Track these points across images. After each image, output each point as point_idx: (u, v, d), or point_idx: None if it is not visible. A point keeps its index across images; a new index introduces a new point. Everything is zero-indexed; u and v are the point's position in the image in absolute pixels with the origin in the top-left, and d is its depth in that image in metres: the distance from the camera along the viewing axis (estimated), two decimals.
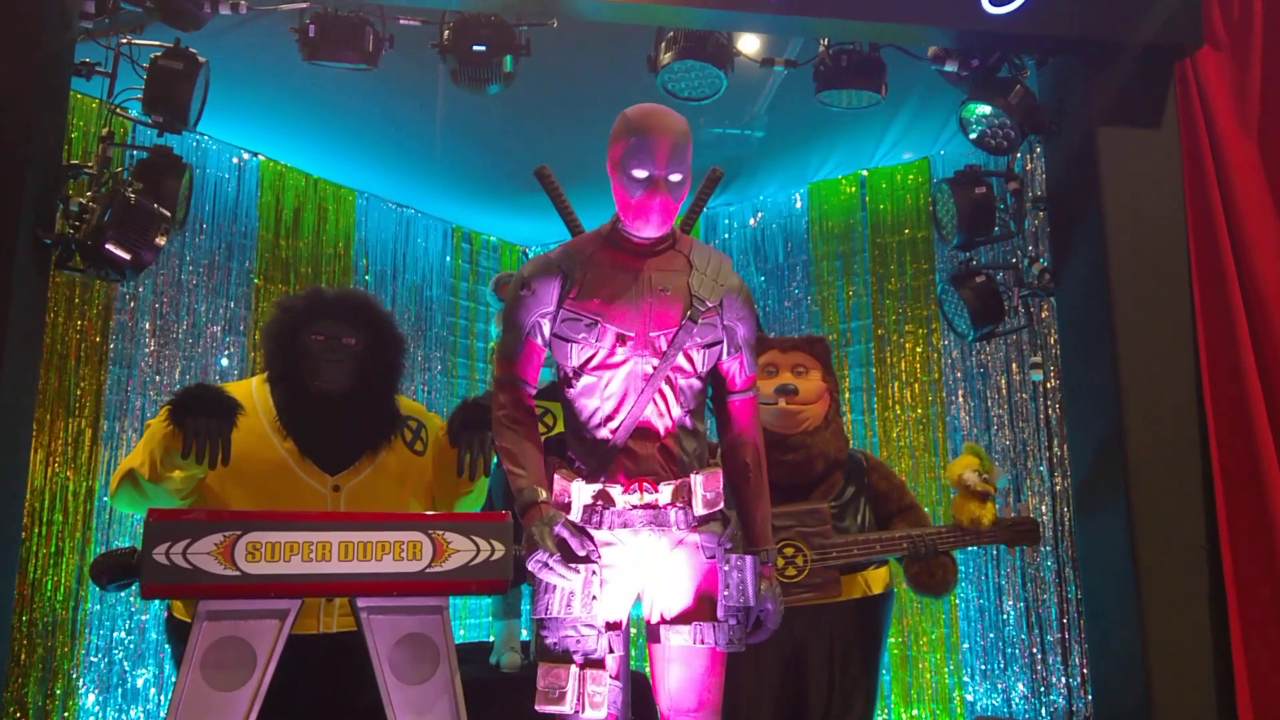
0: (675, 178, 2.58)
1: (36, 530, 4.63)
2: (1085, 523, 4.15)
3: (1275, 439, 3.75)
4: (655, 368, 2.60)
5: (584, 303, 2.60)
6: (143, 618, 4.99)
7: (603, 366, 2.60)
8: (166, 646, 4.50)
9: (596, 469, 2.60)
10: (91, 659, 4.82)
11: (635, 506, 2.58)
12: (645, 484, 2.59)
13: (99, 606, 4.86)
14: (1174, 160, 4.02)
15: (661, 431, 2.63)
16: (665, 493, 2.60)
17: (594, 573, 2.49)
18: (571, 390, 2.65)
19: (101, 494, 4.87)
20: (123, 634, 4.94)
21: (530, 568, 2.48)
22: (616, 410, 2.61)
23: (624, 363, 2.60)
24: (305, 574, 2.48)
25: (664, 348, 2.60)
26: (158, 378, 5.21)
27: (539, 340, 2.67)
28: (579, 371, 2.62)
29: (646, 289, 2.63)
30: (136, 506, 3.12)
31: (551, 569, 2.45)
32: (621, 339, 2.59)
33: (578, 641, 2.50)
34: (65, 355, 4.82)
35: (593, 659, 2.50)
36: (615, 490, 2.58)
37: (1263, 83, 4.03)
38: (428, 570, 2.55)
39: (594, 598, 2.49)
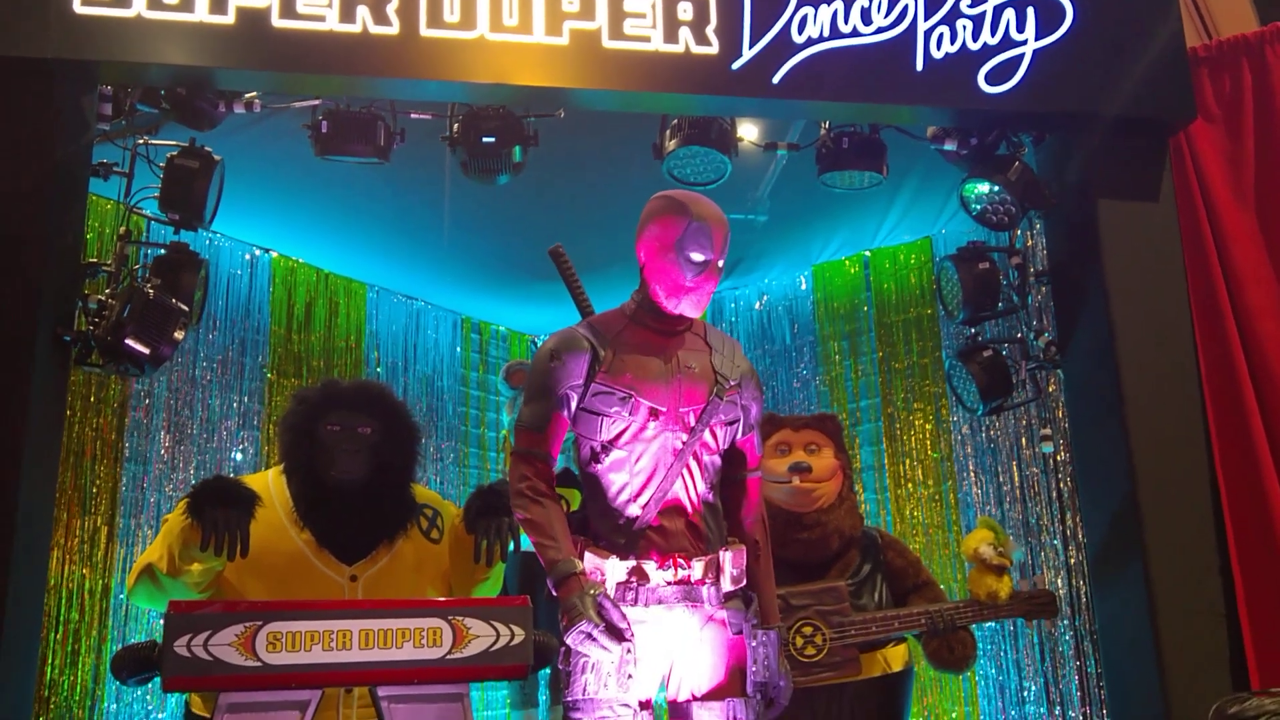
0: (721, 264, 2.70)
1: (53, 630, 4.61)
2: (1103, 595, 4.13)
3: None
4: (685, 442, 2.64)
5: (616, 378, 2.64)
6: (159, 716, 4.95)
7: (634, 440, 2.64)
8: None
9: (626, 546, 2.61)
10: None
11: (670, 583, 2.60)
12: (679, 560, 2.61)
13: (115, 706, 4.82)
14: (1173, 232, 4.08)
15: (689, 508, 2.67)
16: (697, 569, 2.62)
17: (628, 650, 2.49)
18: (598, 466, 2.67)
19: (117, 591, 4.86)
20: None
21: (571, 640, 2.47)
22: (645, 485, 2.63)
23: (655, 437, 2.64)
24: (326, 663, 2.46)
25: (692, 423, 2.65)
26: (173, 474, 5.24)
27: (565, 414, 2.69)
28: (608, 446, 2.65)
29: (675, 366, 2.69)
30: (154, 602, 3.12)
31: (595, 640, 2.44)
32: (654, 413, 2.63)
33: None
34: (81, 453, 4.85)
35: None
36: (650, 566, 2.60)
37: (1256, 153, 4.11)
38: (448, 657, 2.53)
39: (629, 676, 2.49)
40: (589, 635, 2.44)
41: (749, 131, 4.45)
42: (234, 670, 2.39)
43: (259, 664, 2.42)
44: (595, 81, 3.77)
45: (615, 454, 2.66)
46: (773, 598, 2.81)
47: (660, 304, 2.71)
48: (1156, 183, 4.12)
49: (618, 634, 2.46)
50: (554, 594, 2.56)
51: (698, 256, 2.64)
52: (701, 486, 2.70)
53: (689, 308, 2.70)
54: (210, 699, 2.74)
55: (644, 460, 2.65)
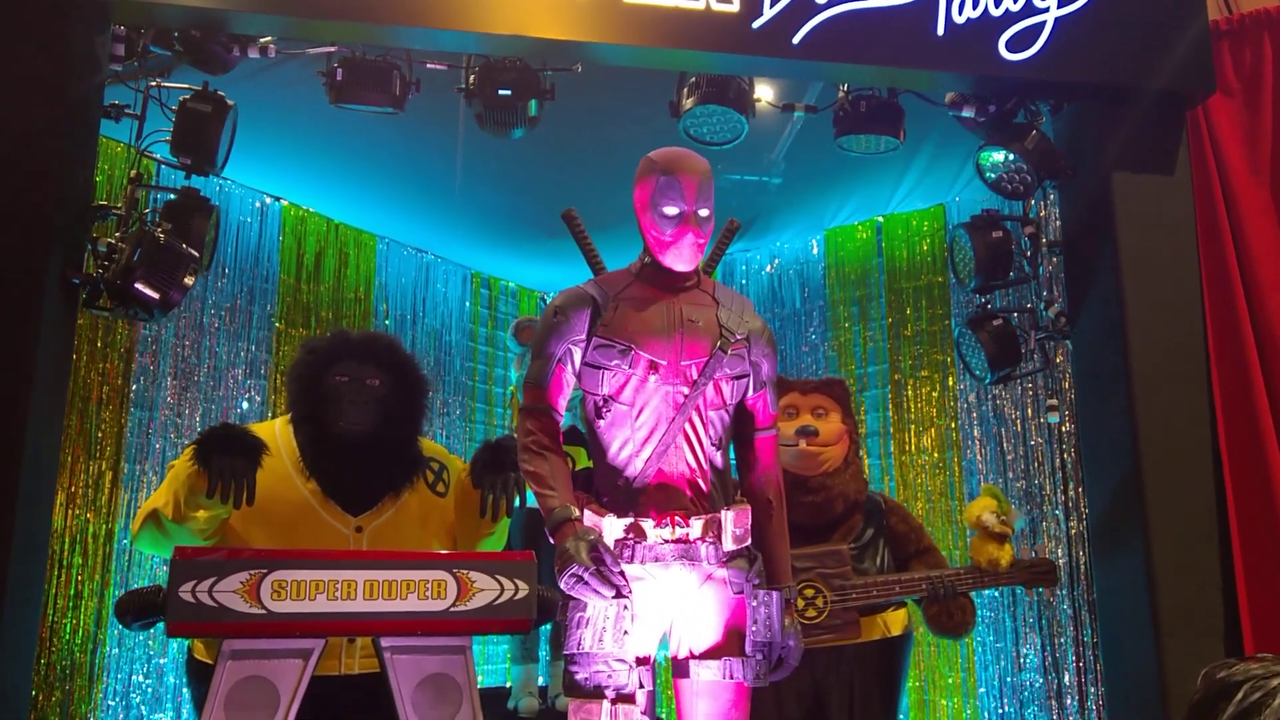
0: (704, 213, 2.70)
1: (56, 573, 4.62)
2: (1103, 566, 4.14)
3: None
4: (686, 396, 2.65)
5: (616, 331, 2.67)
6: (161, 661, 4.99)
7: (635, 394, 2.65)
8: (185, 690, 4.48)
9: (626, 503, 2.62)
10: (109, 703, 4.81)
11: (667, 541, 2.61)
12: (677, 518, 2.62)
13: (117, 650, 4.86)
14: (1187, 206, 4.05)
15: (692, 465, 2.67)
16: (696, 527, 2.63)
17: (625, 607, 2.50)
18: (601, 422, 2.68)
19: (121, 536, 4.88)
20: (140, 678, 4.93)
21: (563, 584, 2.48)
22: (647, 440, 2.64)
23: (656, 391, 2.65)
24: (330, 612, 2.47)
25: (695, 376, 2.66)
26: (178, 420, 5.24)
27: (569, 368, 2.71)
28: (609, 400, 2.66)
29: (677, 320, 2.70)
30: (159, 548, 3.13)
31: (586, 584, 2.45)
32: (654, 366, 2.64)
33: (609, 676, 2.50)
34: (87, 398, 4.85)
35: (624, 694, 2.51)
36: (647, 524, 2.61)
37: (1274, 130, 4.08)
38: (452, 609, 2.54)
39: (625, 632, 2.50)
40: (579, 578, 2.45)
41: (766, 92, 4.42)
42: (238, 617, 2.40)
43: (263, 611, 2.43)
44: (614, 36, 3.73)
45: (617, 408, 2.67)
46: (784, 558, 2.80)
47: (660, 260, 2.74)
48: (1173, 156, 4.09)
49: (610, 583, 2.47)
50: (552, 541, 2.57)
51: (670, 210, 2.68)
52: (707, 444, 2.70)
53: (674, 260, 2.72)
54: (213, 645, 2.76)
55: (645, 414, 2.66)
